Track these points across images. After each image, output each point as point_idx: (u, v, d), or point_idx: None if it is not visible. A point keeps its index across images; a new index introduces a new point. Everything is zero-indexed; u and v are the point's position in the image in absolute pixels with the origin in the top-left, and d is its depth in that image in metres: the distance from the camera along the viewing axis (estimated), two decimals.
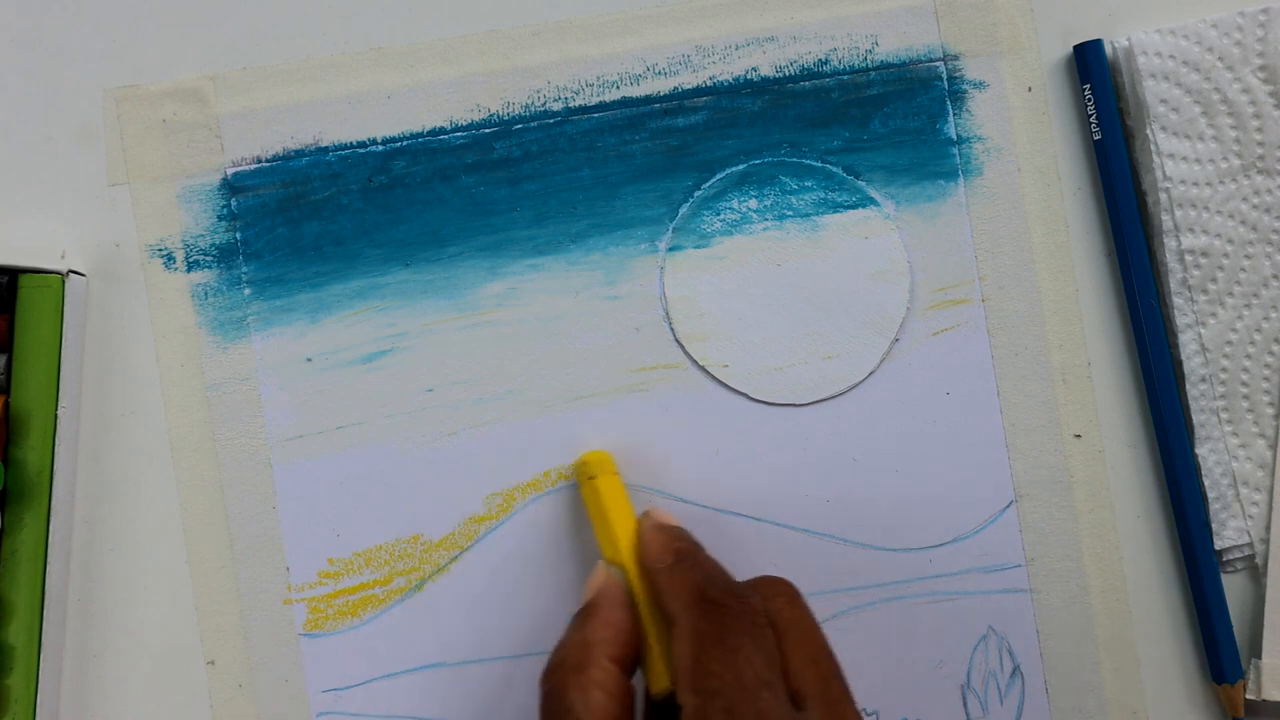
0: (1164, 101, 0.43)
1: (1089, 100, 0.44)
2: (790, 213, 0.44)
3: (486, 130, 0.44)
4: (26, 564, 0.41)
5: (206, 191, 0.43)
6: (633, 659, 0.36)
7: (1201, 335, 0.44)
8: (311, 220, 0.43)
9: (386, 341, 0.43)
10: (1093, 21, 0.44)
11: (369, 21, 0.44)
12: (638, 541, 0.39)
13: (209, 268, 0.43)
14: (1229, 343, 0.44)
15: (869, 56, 0.44)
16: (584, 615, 0.37)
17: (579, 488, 0.43)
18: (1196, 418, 0.44)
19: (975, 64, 0.44)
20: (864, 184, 0.44)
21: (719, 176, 0.44)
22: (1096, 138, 0.44)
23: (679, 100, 0.44)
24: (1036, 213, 0.44)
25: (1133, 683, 0.44)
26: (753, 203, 0.44)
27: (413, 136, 0.44)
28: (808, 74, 0.44)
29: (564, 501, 0.43)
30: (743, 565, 0.43)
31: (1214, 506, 0.43)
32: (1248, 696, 0.43)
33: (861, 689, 0.43)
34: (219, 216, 0.43)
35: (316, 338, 0.43)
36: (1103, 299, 0.44)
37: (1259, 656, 0.43)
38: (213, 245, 0.43)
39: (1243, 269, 0.44)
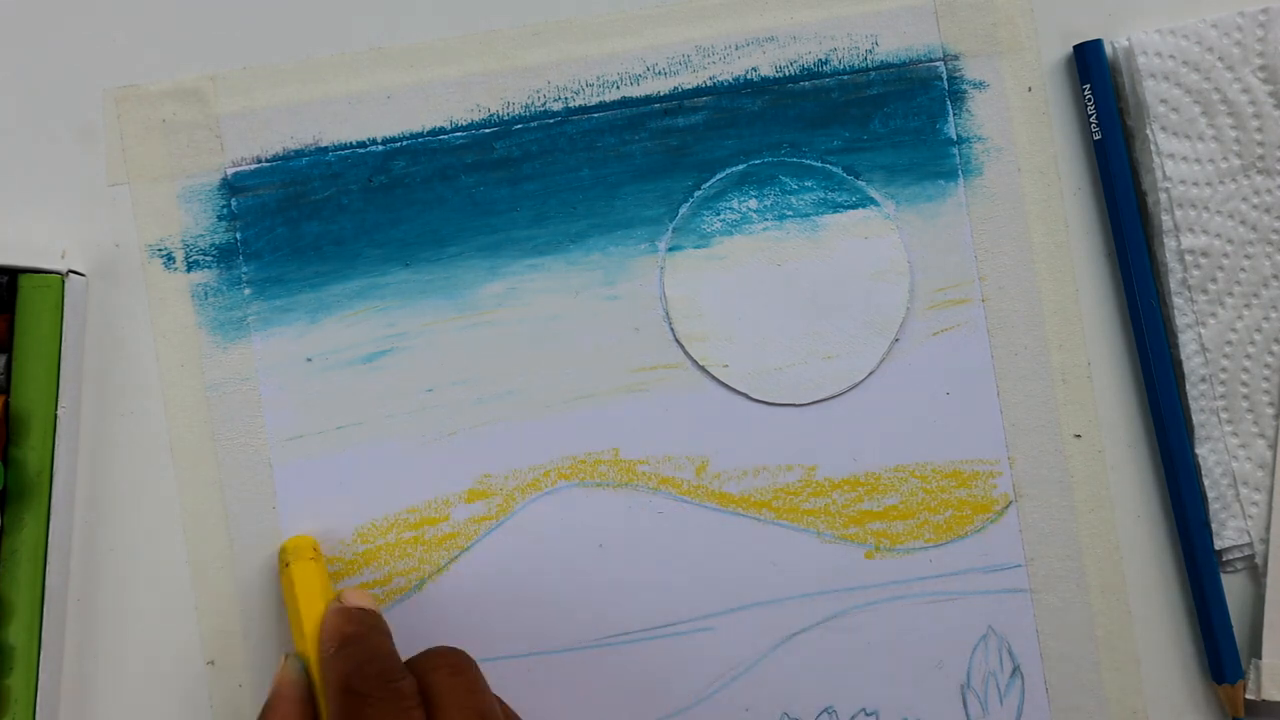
0: (1164, 101, 0.43)
1: (1089, 100, 0.44)
2: (790, 213, 0.44)
3: (486, 130, 0.44)
4: (26, 564, 0.41)
5: (206, 191, 0.43)
6: None
7: (1201, 335, 0.44)
8: (311, 220, 0.43)
9: (386, 341, 0.43)
10: (1093, 21, 0.44)
11: (369, 21, 0.44)
12: (319, 629, 0.39)
13: (209, 268, 0.43)
14: (1229, 343, 0.44)
15: (869, 56, 0.44)
16: (264, 712, 0.37)
17: (277, 574, 0.42)
18: (1196, 418, 0.44)
19: (975, 64, 0.44)
20: (864, 184, 0.44)
21: (719, 176, 0.44)
22: (1096, 138, 0.44)
23: (679, 100, 0.44)
24: (1036, 213, 0.44)
25: (1133, 683, 0.44)
26: (753, 203, 0.44)
27: (413, 136, 0.44)
28: (808, 74, 0.44)
29: (564, 501, 0.43)
30: (743, 567, 0.43)
31: (1214, 506, 0.43)
32: (1248, 696, 0.43)
33: (861, 689, 0.43)
34: (219, 216, 0.43)
35: (316, 338, 0.43)
36: (1103, 299, 0.44)
37: (1259, 656, 0.43)
38: (213, 245, 0.43)
39: (1243, 269, 0.44)
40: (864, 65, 0.44)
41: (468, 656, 0.37)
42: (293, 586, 0.40)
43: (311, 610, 0.39)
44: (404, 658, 0.37)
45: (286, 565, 0.41)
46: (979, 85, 0.44)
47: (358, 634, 0.38)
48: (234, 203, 0.43)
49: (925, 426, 0.44)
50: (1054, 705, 0.44)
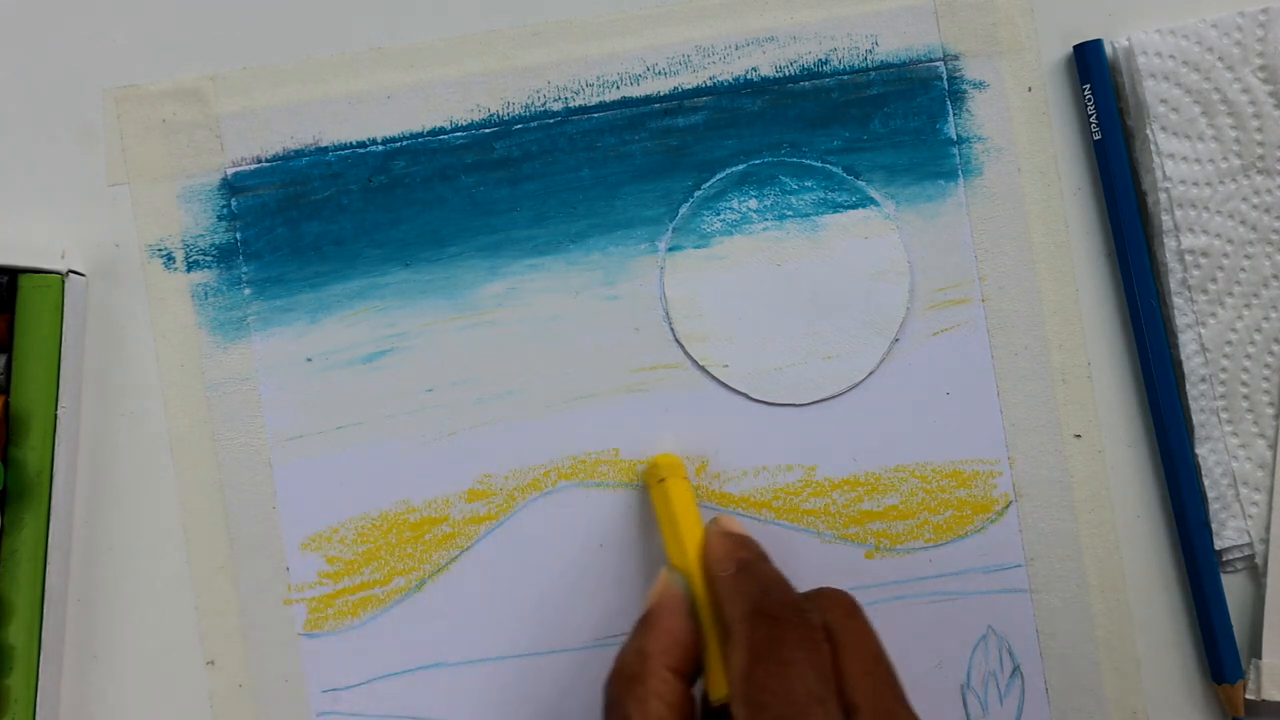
0: (1164, 101, 0.43)
1: (1089, 100, 0.44)
2: (790, 213, 0.44)
3: (486, 130, 0.44)
4: (26, 564, 0.41)
5: (206, 191, 0.43)
6: (693, 668, 0.36)
7: (1201, 335, 0.44)
8: (311, 220, 0.43)
9: (386, 341, 0.43)
10: (1093, 21, 0.44)
11: (369, 21, 0.44)
12: (704, 548, 0.39)
13: (209, 268, 0.43)
14: (1229, 343, 0.44)
15: (869, 56, 0.44)
16: (644, 624, 0.37)
17: (648, 490, 0.42)
18: (1196, 418, 0.44)
19: (975, 64, 0.44)
20: (864, 184, 0.44)
21: (719, 176, 0.44)
22: (1096, 138, 0.44)
23: (679, 100, 0.44)
24: (1036, 213, 0.44)
25: (1133, 683, 0.44)
26: (753, 203, 0.44)
27: (413, 136, 0.44)
28: (808, 74, 0.44)
29: (564, 501, 0.43)
30: None
31: (1214, 506, 0.43)
32: (1248, 696, 0.43)
33: None
34: (219, 216, 0.43)
35: (316, 338, 0.43)
36: (1103, 299, 0.44)
37: (1259, 656, 0.43)
38: (213, 245, 0.43)
39: (1243, 269, 0.44)
40: (864, 65, 0.44)
41: (857, 601, 0.37)
42: (669, 504, 0.40)
43: (692, 528, 0.39)
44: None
45: (661, 481, 0.41)
46: (979, 85, 0.44)
47: (753, 560, 0.38)
48: (234, 203, 0.43)
49: (925, 426, 0.44)
50: (1054, 705, 0.44)
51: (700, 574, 0.38)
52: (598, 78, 0.44)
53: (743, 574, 0.37)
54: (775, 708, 0.32)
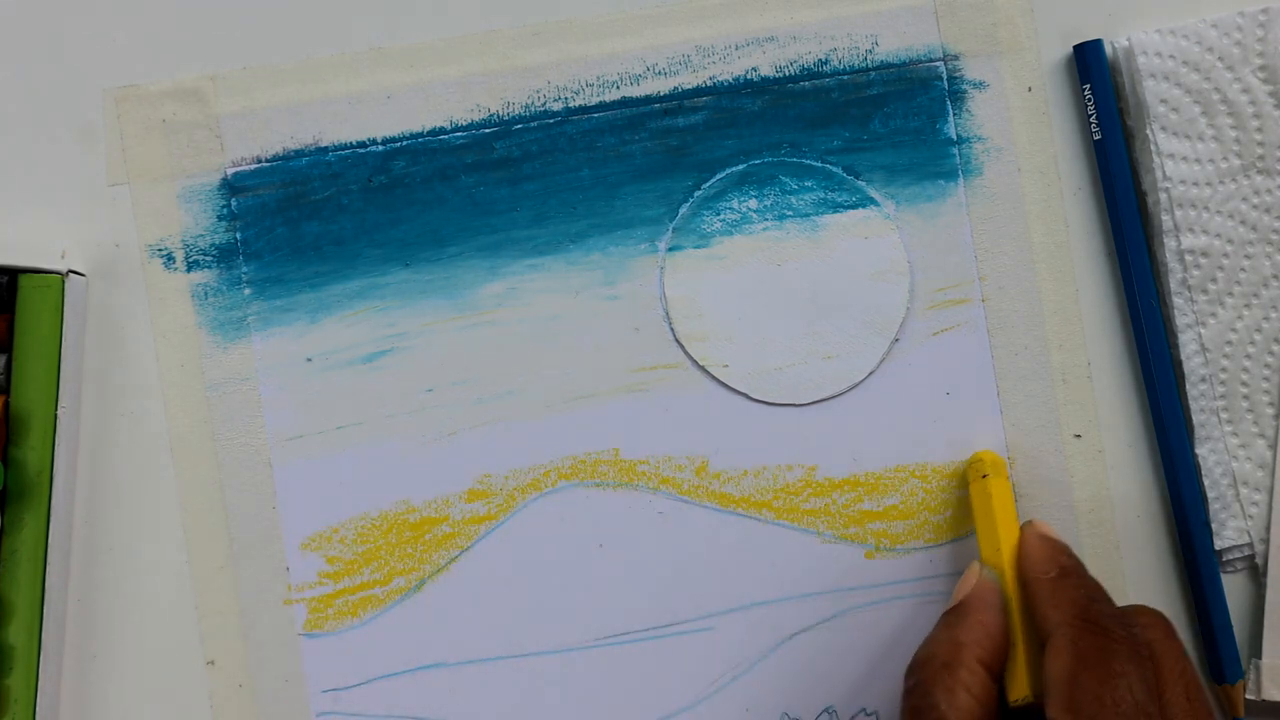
0: (1164, 101, 0.43)
1: (1089, 100, 0.44)
2: (790, 213, 0.44)
3: (486, 130, 0.44)
4: (26, 564, 0.41)
5: (206, 191, 0.43)
6: (1000, 664, 0.36)
7: (1201, 335, 0.44)
8: (311, 220, 0.43)
9: (386, 341, 0.43)
10: (1093, 21, 0.44)
11: (369, 21, 0.44)
12: (1020, 549, 0.39)
13: (209, 268, 0.43)
14: (1229, 343, 0.44)
15: (869, 56, 0.44)
16: (956, 614, 0.37)
17: (969, 484, 0.43)
18: (1196, 418, 0.44)
19: (975, 64, 0.44)
20: (864, 184, 0.44)
21: (719, 176, 0.44)
22: (1096, 138, 0.44)
23: (679, 100, 0.44)
24: (1036, 213, 0.44)
25: None
26: (753, 203, 0.44)
27: (413, 136, 0.44)
28: (808, 74, 0.44)
29: (564, 501, 0.43)
30: (743, 567, 0.43)
31: (1214, 506, 0.43)
32: (1248, 696, 0.43)
33: (862, 689, 0.43)
34: (219, 216, 0.43)
35: (316, 338, 0.43)
36: (1103, 299, 0.44)
37: (1259, 656, 0.43)
38: (213, 245, 0.43)
39: (1243, 269, 0.44)
40: (864, 65, 0.44)
41: (1172, 623, 0.37)
42: (989, 500, 0.40)
43: (1010, 528, 0.40)
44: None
45: (984, 477, 0.41)
46: (979, 85, 0.44)
47: (1076, 567, 0.38)
48: (234, 203, 0.43)
49: (925, 426, 0.44)
50: None
51: (1013, 574, 0.38)
52: (598, 78, 0.44)
53: (1066, 579, 0.37)
54: (1103, 717, 0.32)
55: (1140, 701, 0.33)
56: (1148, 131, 0.43)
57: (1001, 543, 0.39)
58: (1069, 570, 0.37)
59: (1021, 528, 0.40)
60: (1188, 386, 0.43)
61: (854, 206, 0.44)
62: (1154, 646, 0.35)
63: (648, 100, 0.44)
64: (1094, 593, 0.37)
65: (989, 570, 0.39)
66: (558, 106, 0.44)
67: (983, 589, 0.38)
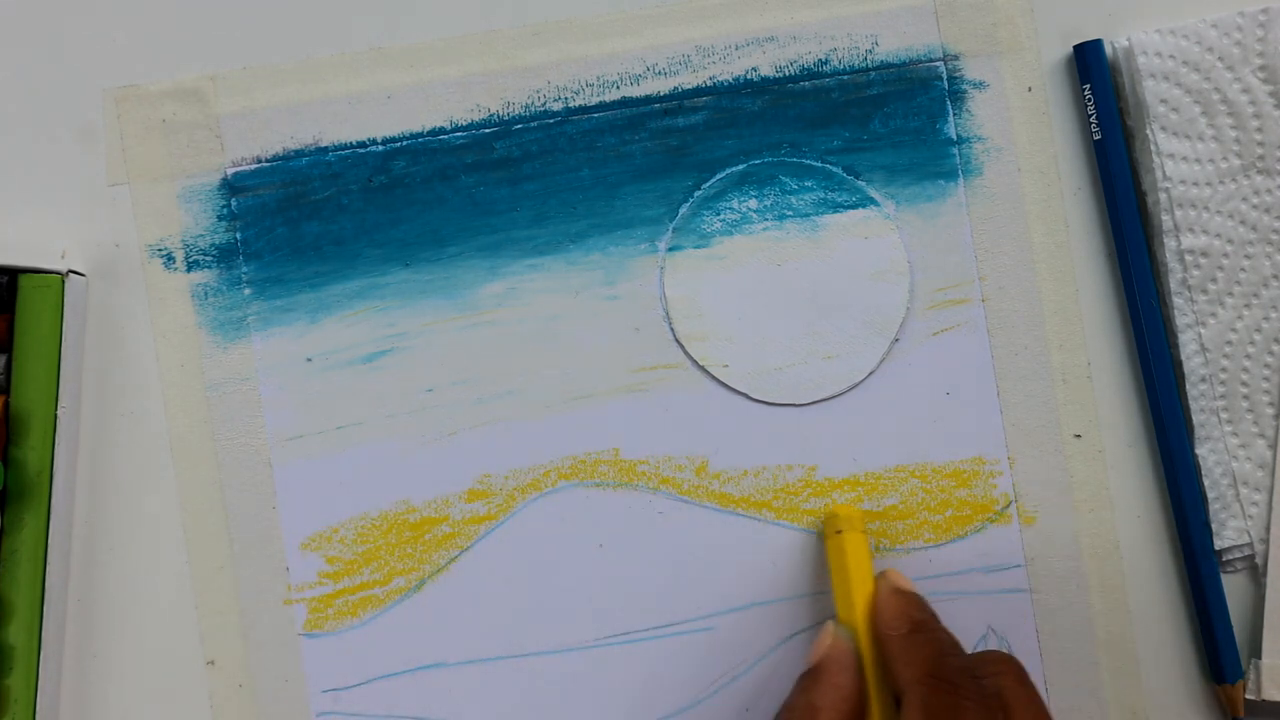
0: (1164, 101, 0.43)
1: (1089, 100, 0.44)
2: (790, 213, 0.44)
3: (486, 130, 0.44)
4: (26, 564, 0.41)
5: (206, 191, 0.43)
6: None
7: (1201, 335, 0.44)
8: (311, 220, 0.43)
9: (386, 341, 0.43)
10: (1093, 21, 0.44)
11: (369, 21, 0.44)
12: (873, 606, 0.39)
13: (209, 268, 0.43)
14: (1229, 343, 0.44)
15: (869, 56, 0.44)
16: (811, 678, 0.37)
17: (824, 539, 0.43)
18: (1196, 418, 0.44)
19: (975, 64, 0.44)
20: (864, 184, 0.44)
21: (719, 176, 0.44)
22: (1096, 138, 0.44)
23: (679, 100, 0.44)
24: (1036, 213, 0.44)
25: (1133, 683, 0.44)
26: (753, 203, 0.44)
27: (413, 136, 0.44)
28: (808, 74, 0.44)
29: (564, 501, 0.43)
30: (743, 567, 0.43)
31: (1214, 506, 0.43)
32: (1248, 696, 0.43)
33: None
34: (219, 216, 0.43)
35: (316, 338, 0.43)
36: (1103, 299, 0.44)
37: (1259, 656, 0.43)
38: (213, 245, 0.43)
39: (1243, 269, 0.44)
40: (864, 65, 0.44)
41: (1024, 667, 0.37)
42: (844, 556, 0.40)
43: (863, 584, 0.40)
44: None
45: (838, 533, 0.41)
46: (979, 85, 0.44)
47: (927, 621, 0.38)
48: (234, 203, 0.43)
49: (925, 426, 0.44)
50: (1054, 705, 0.44)
51: (867, 631, 0.38)
52: (598, 78, 0.44)
53: (916, 634, 0.37)
54: None
55: None
56: (1148, 131, 0.43)
57: (855, 599, 0.39)
58: (920, 625, 0.37)
59: (876, 581, 0.40)
60: (1188, 386, 0.43)
61: (854, 206, 0.44)
62: (1004, 695, 0.35)
63: (648, 100, 0.44)
64: (945, 647, 0.37)
65: (843, 629, 0.39)
66: (558, 106, 0.44)
67: (837, 650, 0.38)
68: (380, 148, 0.44)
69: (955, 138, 0.44)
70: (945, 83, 0.44)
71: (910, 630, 0.37)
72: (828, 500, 0.44)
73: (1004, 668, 0.36)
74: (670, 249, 0.44)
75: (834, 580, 0.41)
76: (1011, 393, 0.44)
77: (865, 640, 0.38)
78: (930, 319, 0.44)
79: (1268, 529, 0.43)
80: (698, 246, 0.44)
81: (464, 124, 0.44)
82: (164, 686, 0.43)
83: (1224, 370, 0.44)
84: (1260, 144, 0.43)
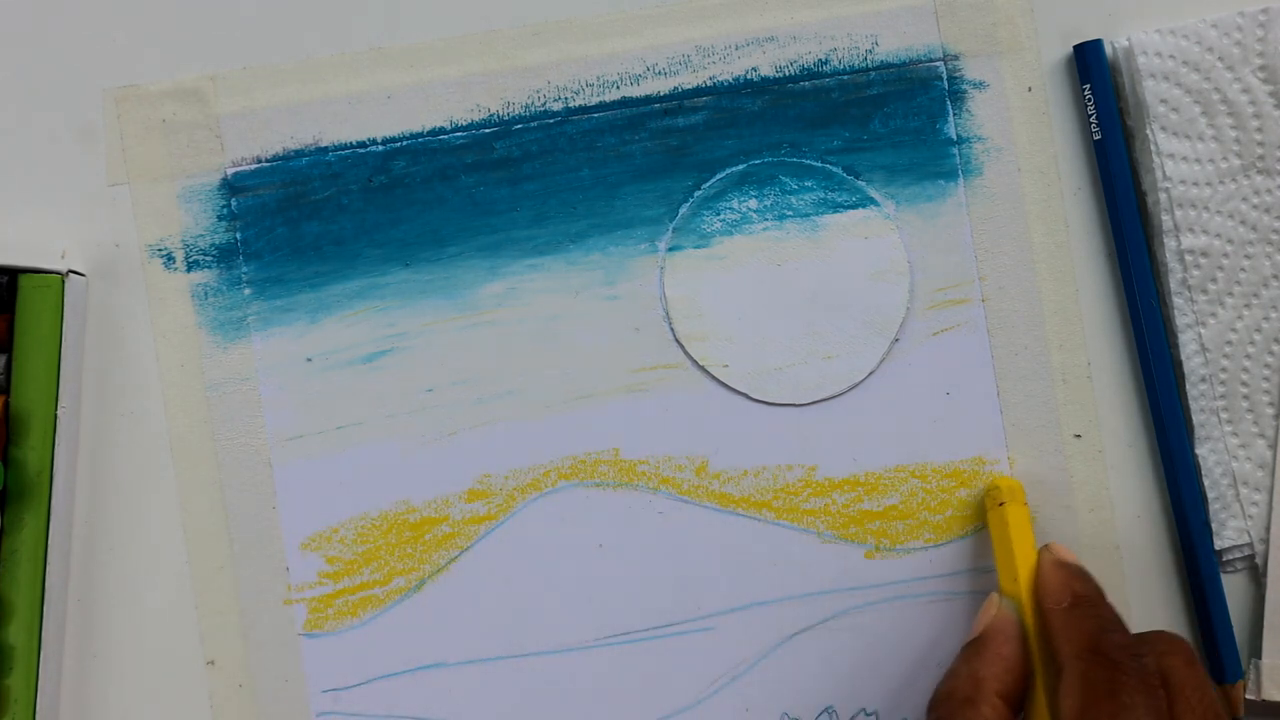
0: (1164, 101, 0.43)
1: (1089, 100, 0.44)
2: (790, 213, 0.44)
3: (486, 130, 0.44)
4: (26, 564, 0.41)
5: (206, 191, 0.43)
6: (1020, 696, 0.36)
7: (1201, 335, 0.44)
8: (311, 220, 0.43)
9: (386, 341, 0.43)
10: (1093, 21, 0.44)
11: (369, 21, 0.44)
12: (1036, 578, 0.39)
13: (209, 268, 0.43)
14: (1229, 343, 0.44)
15: (869, 56, 0.44)
16: (975, 647, 0.37)
17: (986, 512, 0.43)
18: (1196, 418, 0.44)
19: (975, 64, 0.44)
20: (864, 184, 0.44)
21: (719, 176, 0.44)
22: (1096, 138, 0.44)
23: (679, 100, 0.44)
24: (1036, 213, 0.44)
25: None
26: (753, 203, 0.44)
27: (413, 136, 0.44)
28: (808, 74, 0.44)
29: (564, 501, 0.43)
30: (743, 567, 0.43)
31: (1214, 506, 0.43)
32: (1248, 696, 0.43)
33: (861, 689, 0.43)
34: (219, 216, 0.43)
35: (316, 338, 0.43)
36: (1103, 299, 0.44)
37: (1259, 656, 0.43)
38: (213, 245, 0.43)
39: (1243, 269, 0.44)
40: (864, 65, 0.44)
41: (1193, 649, 0.36)
42: (1006, 528, 0.40)
43: (1027, 556, 0.39)
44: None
45: (1000, 505, 0.41)
46: (979, 85, 0.44)
47: (1092, 595, 0.38)
48: (234, 203, 0.43)
49: (925, 426, 0.44)
50: None
51: (1030, 603, 0.38)
52: (598, 78, 0.44)
53: (1078, 609, 0.37)
54: None
55: None
56: (1148, 131, 0.43)
57: (1019, 571, 0.39)
58: (1082, 599, 0.37)
59: (1039, 553, 0.40)
60: (1188, 386, 0.43)
61: (854, 206, 0.44)
62: (1170, 675, 0.35)
63: (648, 100, 0.44)
64: (1107, 623, 0.36)
65: (1008, 601, 0.39)
66: (558, 106, 0.44)
67: (1001, 620, 0.38)
68: (380, 148, 0.44)
69: (955, 138, 0.44)
70: (945, 83, 0.44)
71: (1072, 604, 0.37)
72: (827, 500, 0.44)
73: (1170, 647, 0.36)
74: (670, 249, 0.44)
75: (996, 552, 0.41)
76: (1011, 393, 0.44)
77: (1029, 612, 0.38)
78: (930, 319, 0.44)
79: (1268, 529, 0.43)
80: (698, 246, 0.44)
81: (464, 124, 0.44)
82: (164, 686, 0.43)
83: (1224, 370, 0.44)
84: (1260, 144, 0.43)
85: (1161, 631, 0.37)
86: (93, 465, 0.43)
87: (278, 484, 0.43)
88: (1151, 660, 0.35)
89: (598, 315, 0.44)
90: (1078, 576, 0.38)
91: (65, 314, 0.41)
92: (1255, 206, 0.43)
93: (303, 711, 0.43)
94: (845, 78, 0.44)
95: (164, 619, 0.43)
